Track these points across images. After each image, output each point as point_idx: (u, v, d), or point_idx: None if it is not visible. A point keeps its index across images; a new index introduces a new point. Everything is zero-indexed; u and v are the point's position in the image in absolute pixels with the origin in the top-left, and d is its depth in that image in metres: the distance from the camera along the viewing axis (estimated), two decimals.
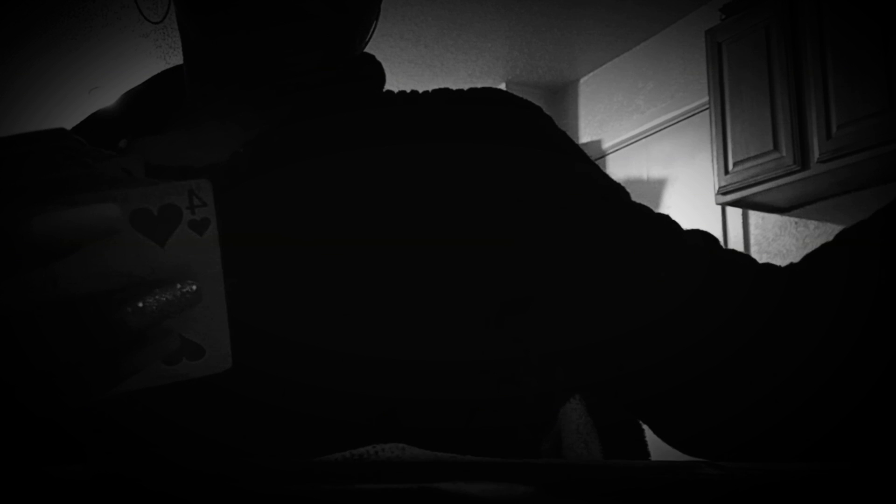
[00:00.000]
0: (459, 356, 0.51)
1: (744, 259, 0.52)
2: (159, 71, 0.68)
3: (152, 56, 3.53)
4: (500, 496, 0.19)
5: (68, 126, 0.57)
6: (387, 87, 0.64)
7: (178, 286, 0.30)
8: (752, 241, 3.38)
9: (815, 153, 2.74)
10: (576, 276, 0.53)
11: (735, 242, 3.42)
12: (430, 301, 0.51)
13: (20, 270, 0.29)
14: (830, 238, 0.48)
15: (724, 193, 3.04)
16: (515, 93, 0.63)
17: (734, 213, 3.43)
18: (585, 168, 0.59)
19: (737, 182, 2.98)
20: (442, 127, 0.58)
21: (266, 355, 0.47)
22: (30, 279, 0.29)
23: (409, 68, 3.90)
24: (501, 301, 0.54)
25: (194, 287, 0.31)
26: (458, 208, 0.54)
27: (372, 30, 0.61)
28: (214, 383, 0.37)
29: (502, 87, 4.15)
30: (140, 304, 0.29)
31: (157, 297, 0.30)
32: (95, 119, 0.63)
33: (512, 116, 0.59)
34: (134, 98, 0.64)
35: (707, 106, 3.29)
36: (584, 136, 4.27)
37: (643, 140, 3.88)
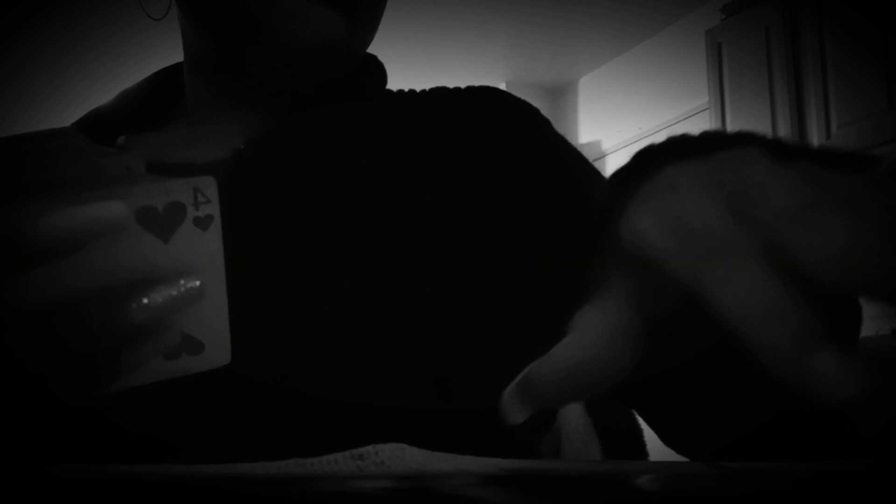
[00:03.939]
0: (463, 363, 0.51)
1: None
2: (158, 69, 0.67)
3: (153, 56, 3.53)
4: (500, 496, 0.19)
5: (67, 124, 0.57)
6: (389, 88, 0.65)
7: (182, 282, 0.30)
8: None
9: None
10: (571, 274, 0.53)
11: None
12: (431, 303, 0.51)
13: (24, 269, 0.29)
14: None
15: None
16: (515, 93, 0.63)
17: None
18: (583, 166, 0.59)
19: None
20: (438, 122, 0.58)
21: (262, 361, 0.47)
22: (34, 277, 0.29)
23: (409, 68, 3.90)
24: (500, 300, 0.54)
25: (198, 283, 0.31)
26: (458, 204, 0.54)
27: (374, 30, 0.62)
28: (213, 381, 0.37)
29: (502, 87, 4.15)
30: (144, 301, 0.29)
31: (160, 293, 0.30)
32: (93, 117, 0.63)
33: (509, 115, 0.60)
34: (132, 95, 0.64)
35: (707, 106, 3.29)
36: (584, 136, 4.27)
37: (643, 140, 3.88)
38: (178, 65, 0.65)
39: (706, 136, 0.33)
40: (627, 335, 0.29)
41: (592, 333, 0.28)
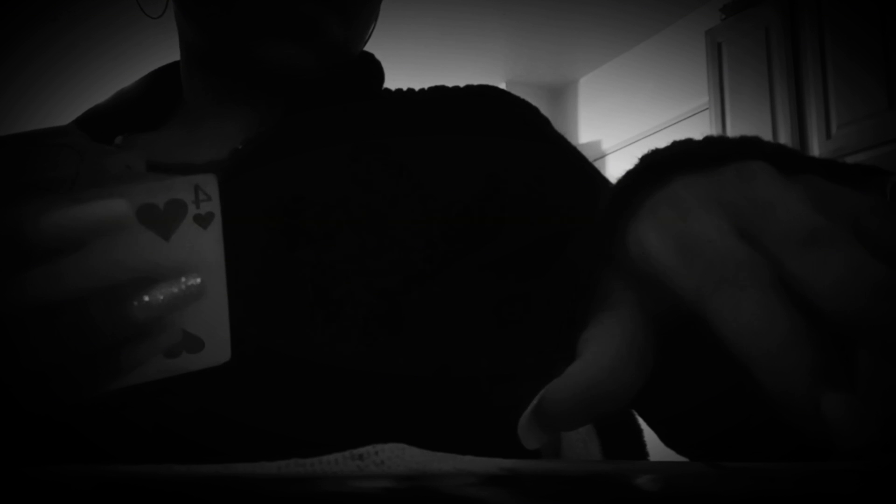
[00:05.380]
0: (463, 369, 0.51)
1: None
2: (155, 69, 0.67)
3: (153, 56, 3.53)
4: (500, 496, 0.19)
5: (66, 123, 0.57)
6: (387, 87, 0.65)
7: (183, 280, 0.30)
8: None
9: (815, 153, 2.74)
10: (567, 271, 0.53)
11: None
12: (430, 303, 0.51)
13: (25, 268, 0.29)
14: None
15: None
16: (515, 93, 0.63)
17: None
18: (583, 166, 0.59)
19: None
20: (437, 121, 0.58)
21: (261, 360, 0.47)
22: (34, 277, 0.29)
23: (409, 68, 3.90)
24: (500, 300, 0.54)
25: (198, 280, 0.31)
26: (457, 203, 0.54)
27: (371, 29, 0.62)
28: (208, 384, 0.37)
29: (502, 86, 4.15)
30: (146, 298, 0.29)
31: (161, 291, 0.30)
32: (91, 115, 0.63)
33: (509, 113, 0.60)
34: (129, 95, 0.64)
35: (707, 106, 3.29)
36: (584, 136, 4.27)
37: (643, 140, 3.88)
38: (175, 64, 0.65)
39: (710, 142, 0.32)
40: (639, 354, 0.28)
41: (606, 356, 0.28)
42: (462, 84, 0.62)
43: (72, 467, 0.24)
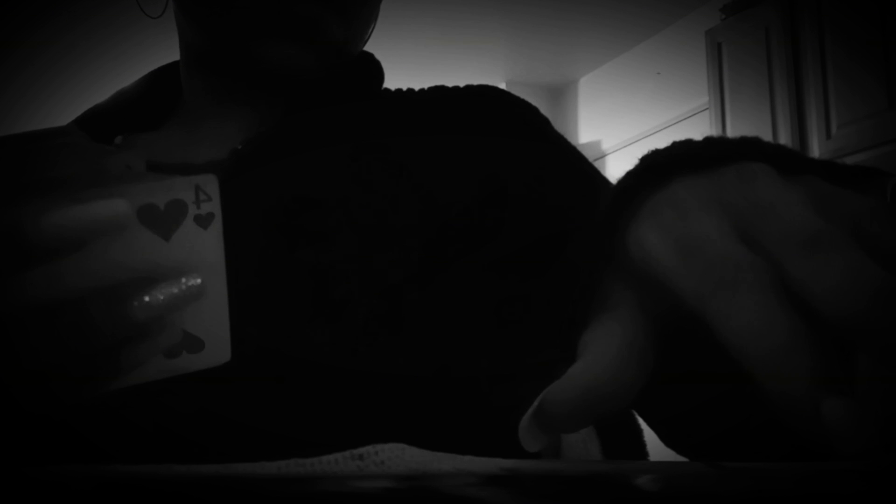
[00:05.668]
0: (463, 369, 0.51)
1: None
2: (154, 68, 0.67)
3: (153, 56, 3.53)
4: (500, 496, 0.19)
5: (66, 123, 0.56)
6: (387, 87, 0.65)
7: (183, 280, 0.30)
8: None
9: (815, 153, 2.74)
10: (567, 271, 0.53)
11: None
12: (431, 302, 0.51)
13: (25, 268, 0.29)
14: None
15: None
16: (515, 93, 0.63)
17: None
18: (583, 165, 0.59)
19: None
20: (437, 121, 0.58)
21: (261, 360, 0.47)
22: (34, 276, 0.29)
23: (409, 68, 3.90)
24: (500, 300, 0.54)
25: (199, 281, 0.31)
26: (458, 202, 0.54)
27: (371, 29, 0.62)
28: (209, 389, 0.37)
29: (502, 86, 4.15)
30: (146, 299, 0.29)
31: (162, 291, 0.30)
32: (91, 115, 0.63)
33: (509, 113, 0.60)
34: (129, 95, 0.64)
35: (707, 106, 3.29)
36: (584, 136, 4.27)
37: (643, 140, 3.88)
38: (175, 64, 0.65)
39: (710, 143, 0.32)
40: (640, 354, 0.28)
41: (606, 357, 0.28)
42: (462, 84, 0.62)
43: (72, 467, 0.24)
